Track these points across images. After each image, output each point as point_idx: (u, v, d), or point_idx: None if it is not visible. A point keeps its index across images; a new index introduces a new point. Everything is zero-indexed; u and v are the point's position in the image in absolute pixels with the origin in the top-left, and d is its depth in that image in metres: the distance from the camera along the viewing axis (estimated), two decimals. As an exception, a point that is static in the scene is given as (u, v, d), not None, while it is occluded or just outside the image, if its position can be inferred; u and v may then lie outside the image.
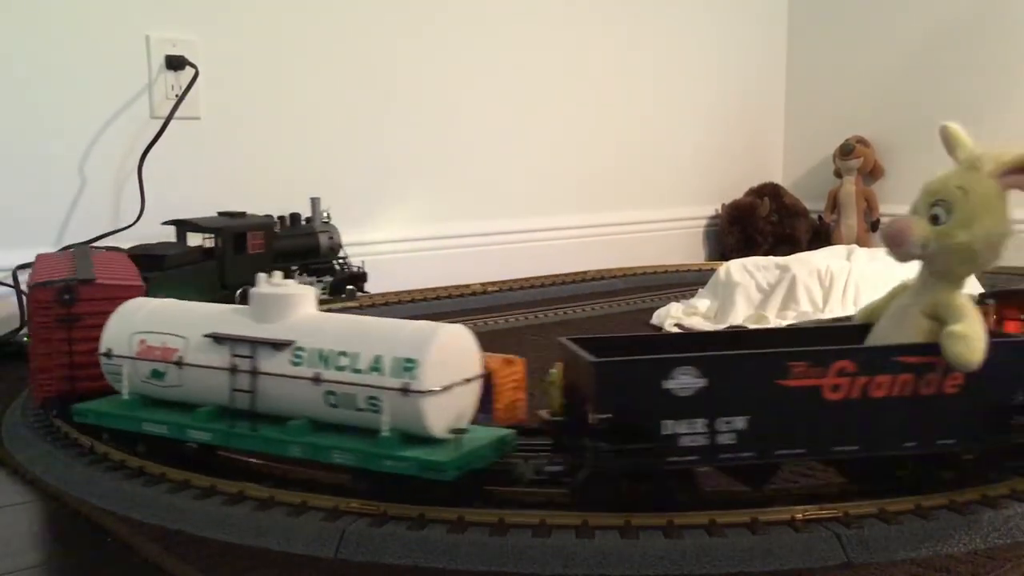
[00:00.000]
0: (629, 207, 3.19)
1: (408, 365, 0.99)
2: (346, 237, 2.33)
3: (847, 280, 2.09)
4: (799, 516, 0.96)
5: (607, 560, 0.91)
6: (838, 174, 3.46)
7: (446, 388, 1.00)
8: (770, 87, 3.72)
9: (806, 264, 2.14)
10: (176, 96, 2.24)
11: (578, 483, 0.97)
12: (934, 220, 1.10)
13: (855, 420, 0.98)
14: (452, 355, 1.03)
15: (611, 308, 2.40)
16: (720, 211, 3.41)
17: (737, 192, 3.43)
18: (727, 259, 2.45)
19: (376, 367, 1.00)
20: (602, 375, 0.93)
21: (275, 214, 2.20)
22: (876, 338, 1.11)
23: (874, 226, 3.39)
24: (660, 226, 3.30)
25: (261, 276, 1.12)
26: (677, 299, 2.34)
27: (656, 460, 0.94)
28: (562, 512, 0.98)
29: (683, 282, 2.70)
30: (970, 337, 0.98)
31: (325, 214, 2.32)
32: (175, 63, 2.24)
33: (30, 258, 2.02)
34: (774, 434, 0.97)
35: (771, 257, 2.29)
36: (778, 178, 3.66)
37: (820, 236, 3.39)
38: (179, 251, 1.97)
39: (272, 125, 2.43)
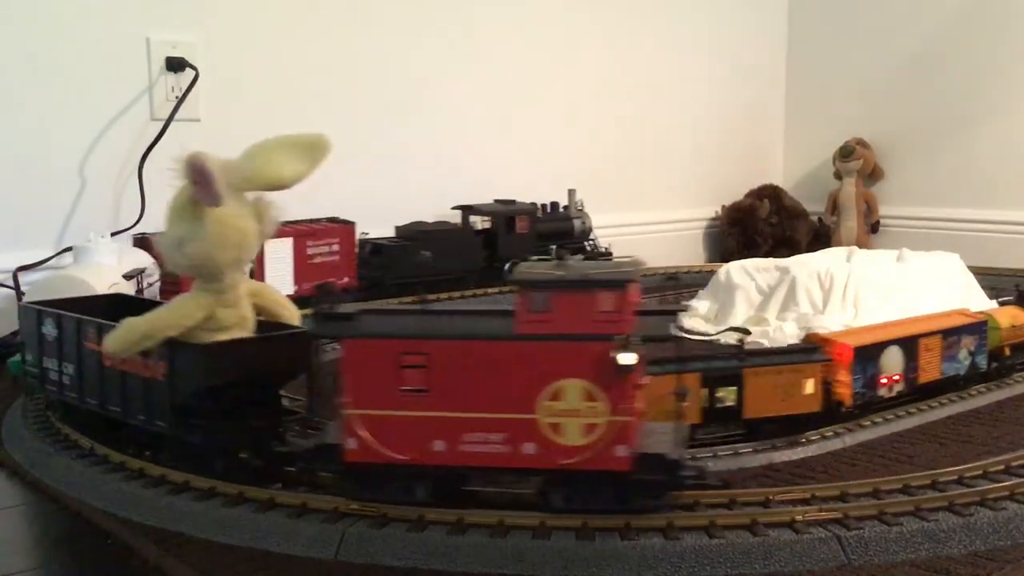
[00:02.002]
0: (629, 209, 3.18)
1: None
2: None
3: (847, 282, 2.09)
4: (799, 518, 0.96)
5: (607, 562, 0.91)
6: (838, 176, 3.46)
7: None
8: (770, 89, 3.72)
9: (806, 266, 2.14)
10: (176, 98, 2.24)
11: None
12: None
13: (118, 387, 1.16)
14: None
15: (611, 310, 2.39)
16: (720, 213, 3.41)
17: (737, 194, 3.43)
18: (727, 261, 2.45)
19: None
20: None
21: (538, 202, 2.67)
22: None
23: (874, 228, 3.40)
24: (660, 228, 3.30)
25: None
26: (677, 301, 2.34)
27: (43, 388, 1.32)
28: (562, 514, 0.98)
29: (683, 284, 2.69)
30: (124, 328, 1.10)
31: (580, 203, 2.79)
32: (175, 65, 2.24)
33: (30, 259, 2.03)
34: (84, 384, 1.21)
35: (771, 259, 2.29)
36: (778, 180, 3.66)
37: (820, 238, 3.39)
38: (445, 227, 2.48)
39: (272, 127, 2.42)
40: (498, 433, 0.96)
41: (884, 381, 1.37)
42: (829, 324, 1.99)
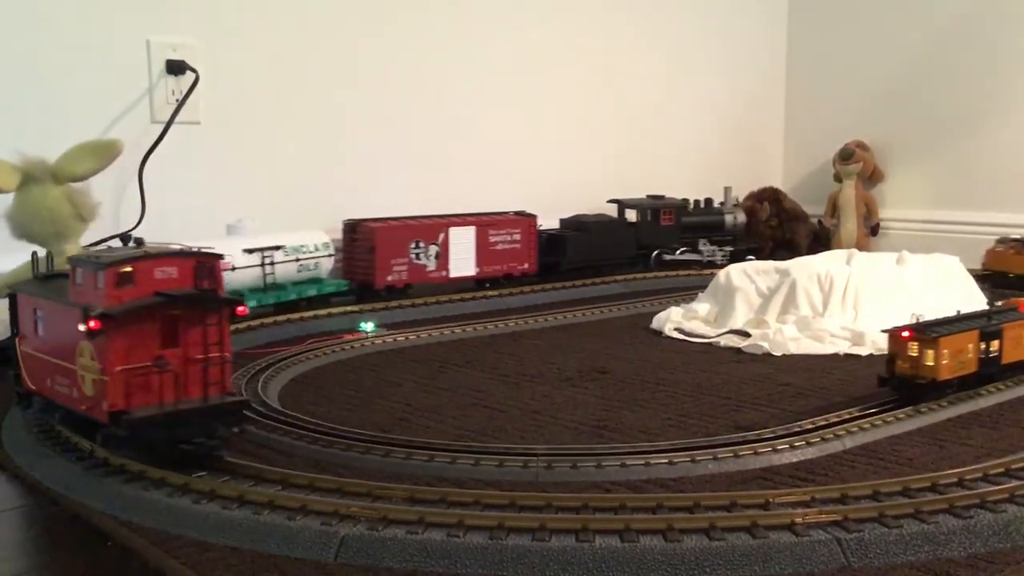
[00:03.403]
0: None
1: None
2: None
3: (847, 284, 2.09)
4: (799, 520, 0.96)
5: (606, 564, 0.91)
6: (838, 178, 3.46)
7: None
8: (770, 92, 3.73)
9: (806, 268, 2.14)
10: (176, 101, 2.24)
11: None
12: None
13: None
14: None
15: (611, 312, 2.40)
16: (720, 215, 3.42)
17: (737, 196, 3.43)
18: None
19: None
20: None
21: (691, 198, 3.05)
22: None
23: (874, 231, 3.40)
24: (660, 230, 3.30)
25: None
26: (677, 303, 2.34)
27: None
28: (562, 515, 0.98)
29: (683, 286, 2.70)
30: None
31: (736, 199, 3.16)
32: (175, 68, 2.25)
33: (30, 262, 2.03)
34: None
35: (771, 261, 2.29)
36: (778, 182, 3.67)
37: (820, 240, 3.40)
38: (602, 219, 2.84)
39: (273, 129, 2.43)
40: (65, 378, 1.18)
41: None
42: (829, 327, 1.99)
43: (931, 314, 2.15)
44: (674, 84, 3.37)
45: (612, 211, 3.00)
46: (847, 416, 1.40)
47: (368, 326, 2.05)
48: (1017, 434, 1.36)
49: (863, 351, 1.91)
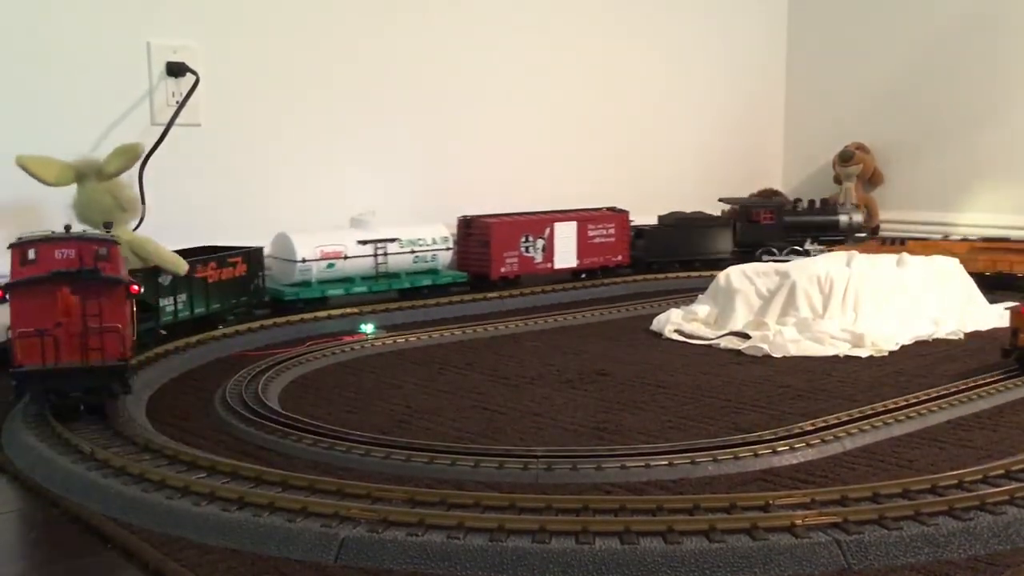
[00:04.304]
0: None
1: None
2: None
3: (847, 286, 2.09)
4: (799, 522, 0.96)
5: (606, 566, 0.91)
6: (838, 180, 3.46)
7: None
8: (770, 94, 3.73)
9: (806, 270, 2.14)
10: (177, 103, 2.24)
11: None
12: None
13: None
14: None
15: (611, 314, 2.40)
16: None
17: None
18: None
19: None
20: None
21: (810, 198, 3.15)
22: None
23: (874, 232, 3.40)
24: (660, 232, 3.30)
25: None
26: (677, 305, 2.34)
27: None
28: (562, 517, 0.98)
29: (683, 288, 2.70)
30: None
31: (853, 201, 3.29)
32: (176, 70, 2.25)
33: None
34: None
35: (771, 263, 2.29)
36: (778, 184, 3.67)
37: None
38: (697, 216, 3.02)
39: (273, 131, 2.43)
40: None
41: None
42: (829, 328, 1.99)
43: (931, 315, 2.16)
44: (674, 88, 3.37)
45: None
46: (846, 418, 1.41)
47: (368, 328, 2.06)
48: (1017, 436, 1.36)
49: (863, 353, 1.91)
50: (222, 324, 2.05)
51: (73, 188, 1.91)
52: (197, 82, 2.26)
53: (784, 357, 1.91)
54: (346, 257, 2.31)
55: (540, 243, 2.68)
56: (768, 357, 1.91)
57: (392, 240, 2.38)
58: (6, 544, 1.04)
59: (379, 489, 1.07)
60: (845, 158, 3.39)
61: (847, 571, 0.92)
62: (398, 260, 2.40)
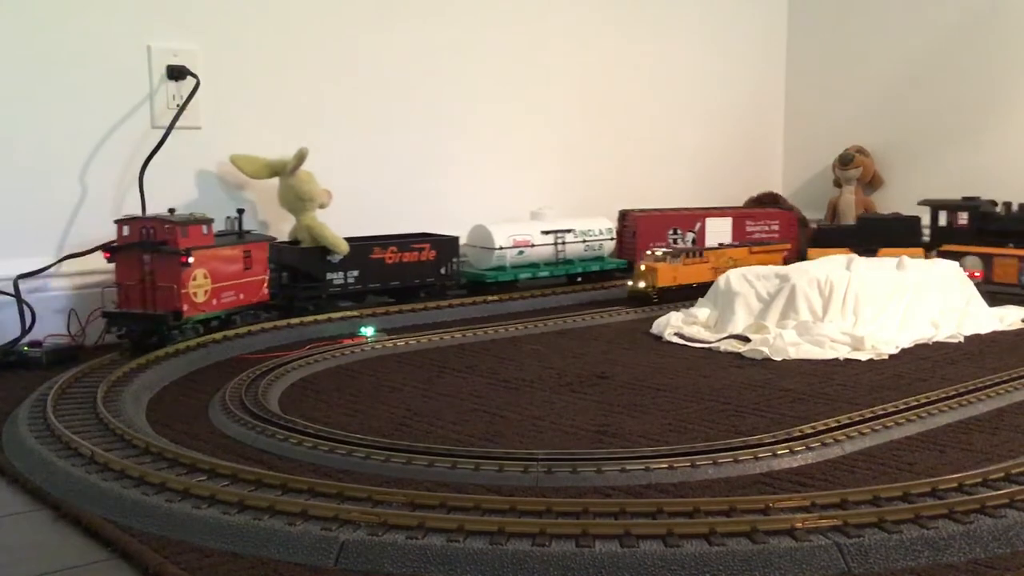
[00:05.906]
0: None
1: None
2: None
3: (847, 289, 2.10)
4: (799, 525, 0.96)
5: (606, 568, 0.91)
6: (837, 184, 3.46)
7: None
8: (770, 97, 3.73)
9: (806, 274, 2.14)
10: (177, 106, 2.24)
11: None
12: None
13: None
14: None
15: (611, 317, 2.40)
16: (720, 220, 3.43)
17: (737, 201, 3.43)
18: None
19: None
20: None
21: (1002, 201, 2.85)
22: None
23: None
24: (660, 235, 3.31)
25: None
26: (677, 308, 2.34)
27: None
28: (562, 520, 0.98)
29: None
30: None
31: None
32: (176, 73, 2.25)
33: (31, 267, 2.03)
34: None
35: (771, 266, 2.29)
36: (778, 187, 3.67)
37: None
38: (880, 218, 2.95)
39: (272, 135, 2.43)
40: None
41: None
42: (828, 331, 2.00)
43: (931, 318, 2.16)
44: (674, 90, 3.37)
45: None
46: (846, 421, 1.41)
47: (368, 331, 2.06)
48: (1017, 439, 1.36)
49: (863, 356, 1.91)
50: (417, 297, 2.42)
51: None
52: (198, 85, 2.26)
53: (784, 360, 1.91)
54: (532, 245, 2.63)
55: (690, 236, 2.94)
56: (768, 360, 1.91)
57: (569, 231, 2.69)
58: (7, 548, 1.04)
59: (379, 492, 1.07)
60: (845, 161, 3.39)
61: (847, 574, 0.92)
62: (573, 248, 2.72)
